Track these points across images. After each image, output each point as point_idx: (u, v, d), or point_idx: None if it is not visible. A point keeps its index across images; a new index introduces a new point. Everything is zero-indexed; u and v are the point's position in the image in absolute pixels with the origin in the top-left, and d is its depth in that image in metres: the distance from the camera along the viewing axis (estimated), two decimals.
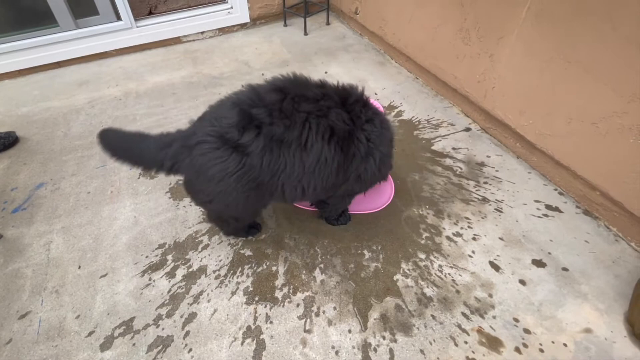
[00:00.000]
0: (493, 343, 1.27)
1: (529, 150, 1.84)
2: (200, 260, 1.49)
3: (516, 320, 1.32)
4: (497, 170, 1.85)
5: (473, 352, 1.24)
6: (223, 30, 2.93)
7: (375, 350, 1.25)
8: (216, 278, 1.44)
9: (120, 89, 2.40)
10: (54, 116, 2.22)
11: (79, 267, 1.48)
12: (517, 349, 1.25)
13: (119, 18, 2.57)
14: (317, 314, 1.34)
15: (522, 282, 1.43)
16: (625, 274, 1.44)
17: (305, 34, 2.90)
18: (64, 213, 1.68)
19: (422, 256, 1.51)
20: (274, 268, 1.47)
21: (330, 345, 1.26)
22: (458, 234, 1.58)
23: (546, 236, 1.57)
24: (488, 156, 1.93)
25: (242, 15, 2.89)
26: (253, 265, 1.48)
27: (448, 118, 2.16)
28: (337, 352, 1.25)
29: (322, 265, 1.47)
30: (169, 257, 1.50)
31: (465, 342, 1.27)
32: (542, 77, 1.64)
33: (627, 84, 1.36)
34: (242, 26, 2.98)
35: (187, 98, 2.31)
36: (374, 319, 1.32)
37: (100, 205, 1.71)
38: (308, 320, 1.33)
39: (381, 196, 1.70)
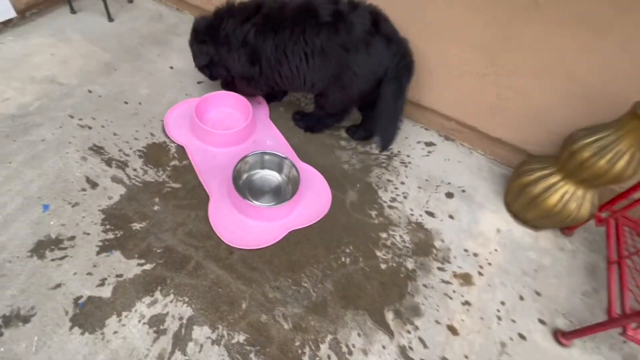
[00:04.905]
0: (467, 278, 1.33)
1: None
2: None
3: (466, 250, 1.41)
4: None
5: (462, 295, 1.28)
6: None
7: (410, 348, 1.13)
8: None
9: None
10: None
11: None
12: (480, 273, 1.35)
13: None
14: (350, 352, 1.10)
15: (451, 216, 1.50)
16: (488, 175, 1.67)
17: (110, 19, 1.89)
18: None
19: (384, 235, 1.38)
20: (280, 334, 1.09)
21: None
22: (394, 199, 1.50)
23: (439, 169, 1.64)
24: None
25: (1, 9, 1.61)
26: (257, 347, 1.06)
27: None
28: None
29: (320, 299, 1.18)
30: None
31: (454, 291, 1.29)
32: None
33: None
34: (7, 24, 1.69)
35: None
36: (392, 320, 1.18)
37: None
38: None
39: (321, 198, 1.43)
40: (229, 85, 1.70)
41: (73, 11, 1.91)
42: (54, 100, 1.52)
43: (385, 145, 1.51)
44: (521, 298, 1.29)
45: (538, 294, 1.30)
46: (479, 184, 1.61)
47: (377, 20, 1.24)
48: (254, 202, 1.34)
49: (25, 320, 0.99)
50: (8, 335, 0.96)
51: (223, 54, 1.38)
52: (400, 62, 1.30)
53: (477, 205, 1.54)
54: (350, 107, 1.50)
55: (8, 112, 1.44)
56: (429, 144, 1.73)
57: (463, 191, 1.58)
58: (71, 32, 1.84)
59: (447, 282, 1.30)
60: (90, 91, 1.58)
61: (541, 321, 1.24)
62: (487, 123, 1.59)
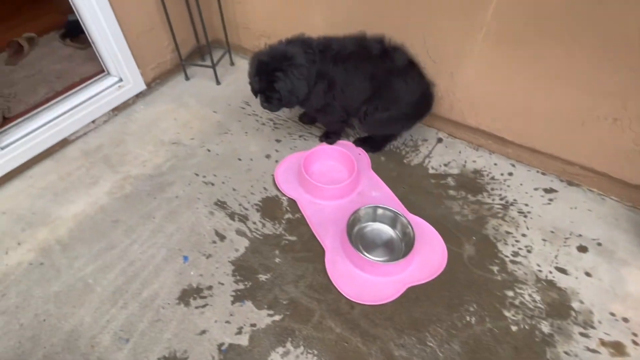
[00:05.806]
0: (619, 348, 1.29)
1: (503, 145, 1.89)
2: None
3: (612, 314, 1.37)
4: (489, 172, 1.85)
5: None
6: (118, 109, 2.16)
7: None
8: None
9: (29, 247, 1.54)
10: None
11: None
12: (634, 342, 1.30)
13: None
14: None
15: (588, 274, 1.48)
16: (628, 225, 1.61)
17: (218, 83, 2.36)
18: None
19: (510, 293, 1.42)
20: None
21: None
22: (516, 253, 1.54)
23: (565, 219, 1.65)
24: (474, 161, 1.91)
25: (135, 84, 2.16)
26: None
27: (418, 135, 2.05)
28: None
29: None
30: None
31: None
32: (511, 88, 1.66)
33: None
34: (139, 96, 2.25)
35: (138, 220, 1.63)
36: None
37: None
38: None
39: (436, 252, 1.53)
40: (328, 137, 1.96)
41: (187, 78, 2.43)
42: (181, 160, 1.92)
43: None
44: None
45: None
46: (617, 236, 1.58)
47: (412, 60, 1.72)
48: (371, 257, 1.49)
49: None
50: None
51: (310, 88, 1.70)
52: (425, 101, 1.79)
53: (619, 261, 1.50)
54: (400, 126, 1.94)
55: (147, 172, 1.86)
56: (549, 191, 1.75)
57: (599, 244, 1.55)
58: (187, 97, 2.32)
59: (595, 351, 1.27)
60: (209, 150, 1.96)
61: None
62: (622, 169, 1.59)
